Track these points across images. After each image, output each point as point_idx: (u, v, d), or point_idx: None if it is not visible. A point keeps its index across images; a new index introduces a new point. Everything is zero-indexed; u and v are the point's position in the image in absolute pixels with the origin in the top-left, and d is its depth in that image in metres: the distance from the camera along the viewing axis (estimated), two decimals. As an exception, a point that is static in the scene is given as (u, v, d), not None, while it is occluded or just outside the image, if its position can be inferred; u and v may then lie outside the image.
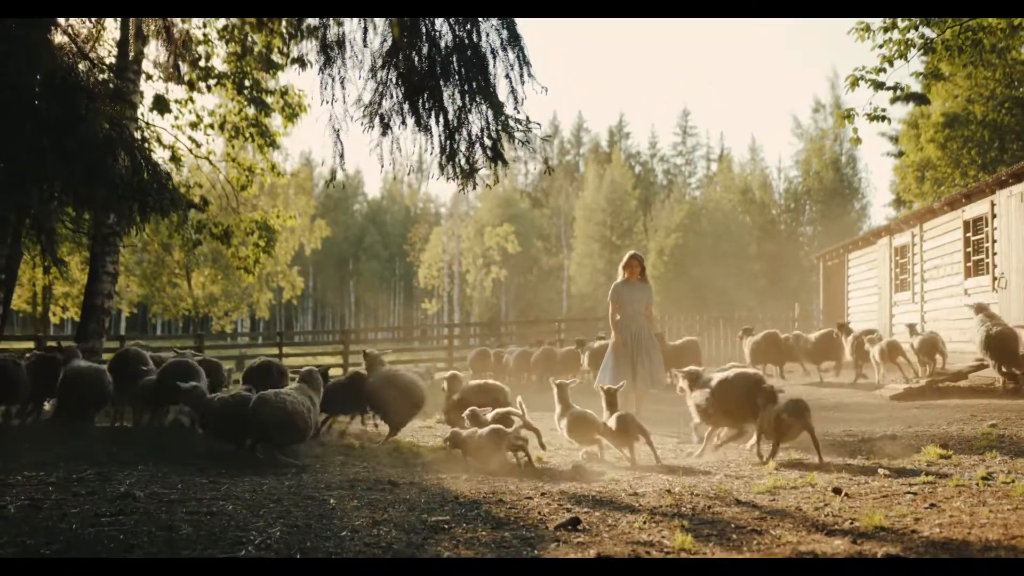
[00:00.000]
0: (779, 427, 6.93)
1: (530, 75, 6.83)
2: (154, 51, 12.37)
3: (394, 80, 6.60)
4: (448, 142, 6.79)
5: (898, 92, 10.79)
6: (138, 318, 67.37)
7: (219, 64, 13.70)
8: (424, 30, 6.45)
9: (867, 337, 15.05)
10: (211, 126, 14.27)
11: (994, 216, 14.71)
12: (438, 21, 6.58)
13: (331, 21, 6.73)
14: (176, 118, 13.79)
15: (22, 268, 12.83)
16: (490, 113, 6.65)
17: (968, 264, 15.92)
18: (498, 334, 28.52)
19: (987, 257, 15.05)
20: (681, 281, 51.42)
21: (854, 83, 10.39)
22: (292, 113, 14.49)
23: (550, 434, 9.48)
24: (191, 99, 13.87)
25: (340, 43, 6.64)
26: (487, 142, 6.70)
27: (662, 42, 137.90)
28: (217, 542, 4.42)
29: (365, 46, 6.64)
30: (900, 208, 35.43)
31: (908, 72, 37.89)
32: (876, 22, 10.26)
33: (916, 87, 30.90)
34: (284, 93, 14.32)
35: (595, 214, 60.34)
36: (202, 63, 13.12)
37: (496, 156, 6.82)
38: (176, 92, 13.63)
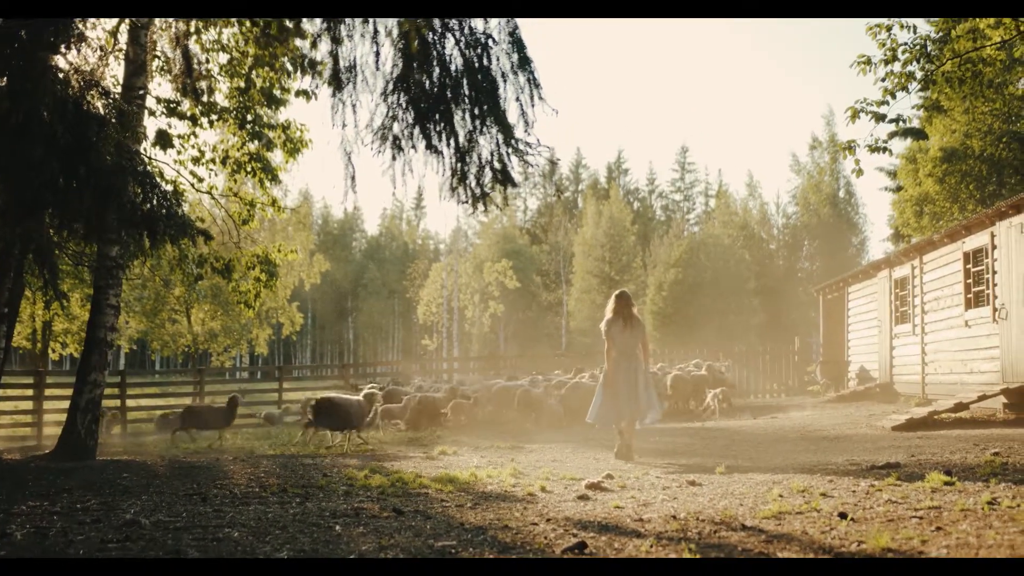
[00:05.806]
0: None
1: (540, 98, 6.87)
2: (156, 87, 12.48)
3: (404, 104, 6.66)
4: (459, 164, 6.84)
5: (899, 124, 10.93)
6: (137, 354, 67.41)
7: (221, 99, 13.77)
8: (435, 53, 6.53)
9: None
10: (213, 161, 14.30)
11: (994, 247, 14.77)
12: (448, 44, 6.66)
13: (343, 41, 6.78)
14: (179, 153, 13.84)
15: (22, 304, 12.84)
16: (500, 136, 6.70)
17: (968, 295, 15.97)
18: (497, 368, 28.46)
19: (987, 288, 15.10)
20: (680, 316, 51.44)
21: (855, 115, 10.44)
22: (294, 148, 14.52)
23: (551, 465, 9.49)
24: (194, 134, 13.93)
25: (352, 67, 6.70)
26: (497, 165, 6.75)
27: (660, 78, 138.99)
28: (224, 566, 4.43)
29: (377, 69, 6.71)
30: (899, 243, 35.49)
31: (909, 104, 38.26)
32: (877, 55, 10.38)
33: (916, 121, 31.16)
34: (286, 128, 14.35)
35: (594, 250, 60.52)
36: (205, 98, 13.19)
37: (506, 179, 6.86)
38: (179, 127, 13.71)
